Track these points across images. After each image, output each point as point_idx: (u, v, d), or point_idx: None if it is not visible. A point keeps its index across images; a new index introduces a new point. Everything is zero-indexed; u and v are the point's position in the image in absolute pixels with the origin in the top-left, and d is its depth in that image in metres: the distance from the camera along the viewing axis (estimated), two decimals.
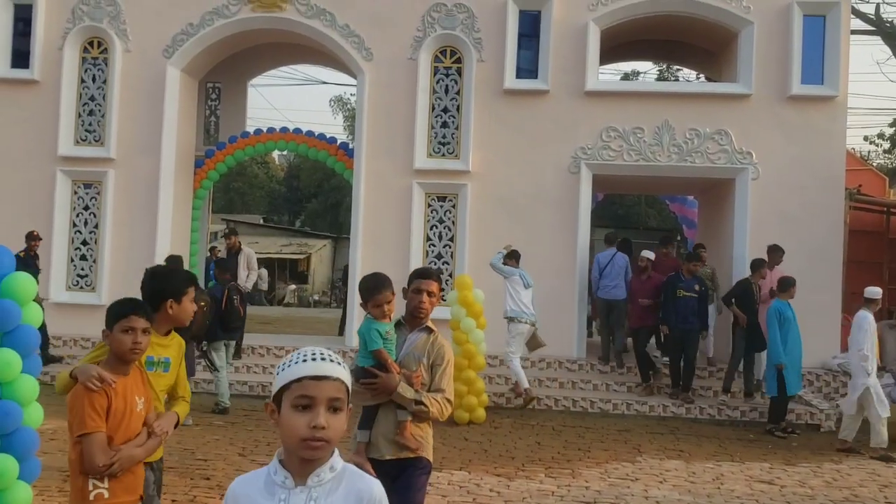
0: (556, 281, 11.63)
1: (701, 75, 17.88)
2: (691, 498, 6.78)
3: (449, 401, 4.02)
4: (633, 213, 29.97)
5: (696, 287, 10.34)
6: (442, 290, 4.23)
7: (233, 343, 9.99)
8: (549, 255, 11.66)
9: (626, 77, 28.22)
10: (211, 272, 15.06)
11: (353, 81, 13.27)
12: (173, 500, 6.11)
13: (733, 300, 10.40)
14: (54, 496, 6.07)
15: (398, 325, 4.15)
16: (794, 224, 11.39)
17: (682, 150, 11.68)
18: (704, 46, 13.67)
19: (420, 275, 4.18)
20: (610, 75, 26.70)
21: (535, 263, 11.58)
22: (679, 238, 16.04)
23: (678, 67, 25.69)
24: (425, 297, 4.05)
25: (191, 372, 9.05)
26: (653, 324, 10.79)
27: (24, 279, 5.03)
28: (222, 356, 9.61)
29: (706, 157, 11.66)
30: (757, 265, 10.48)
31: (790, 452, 8.71)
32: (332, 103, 38.57)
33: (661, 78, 28.17)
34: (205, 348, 9.48)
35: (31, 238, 11.30)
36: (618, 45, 13.55)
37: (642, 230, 25.86)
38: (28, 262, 10.99)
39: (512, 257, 10.54)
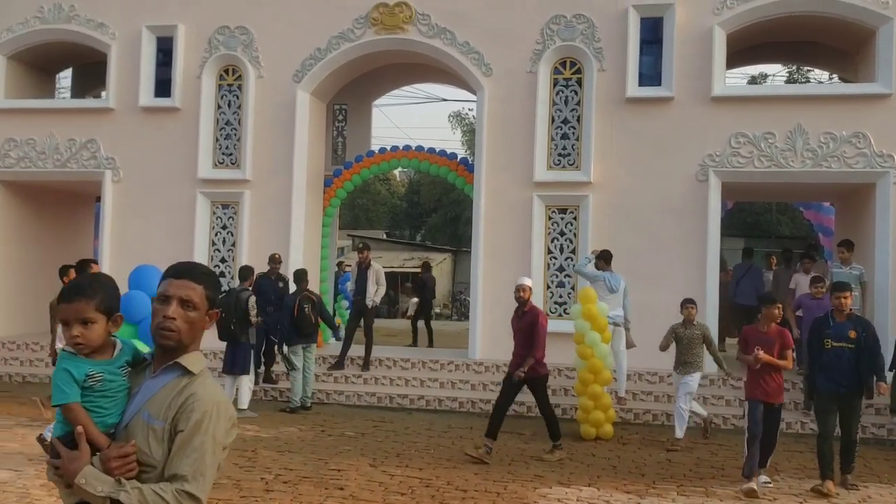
0: (685, 293, 11.32)
1: (834, 76, 17.03)
2: None
3: (191, 496, 2.20)
4: (764, 220, 28.76)
5: (851, 333, 7.26)
6: (213, 300, 2.41)
7: (312, 346, 10.90)
8: (677, 267, 11.40)
9: (752, 80, 27.22)
10: (341, 286, 15.63)
11: (471, 97, 13.43)
12: None
13: None
14: None
15: (144, 364, 2.46)
16: None
17: (817, 155, 11.15)
18: (838, 46, 13.04)
19: (172, 273, 2.40)
20: (736, 79, 25.89)
21: (661, 275, 11.35)
22: (813, 244, 15.25)
23: (809, 68, 24.58)
24: (174, 308, 2.31)
25: (243, 370, 10.18)
26: (545, 373, 8.51)
27: None
28: (300, 358, 10.66)
29: (843, 161, 11.08)
30: None
31: None
32: (451, 119, 39.06)
33: (790, 80, 27.00)
34: (285, 351, 10.70)
35: (273, 261, 11.53)
36: (744, 49, 13.12)
37: (774, 239, 24.82)
38: (268, 284, 11.26)
39: (602, 258, 10.42)
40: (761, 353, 7.14)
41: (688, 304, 9.25)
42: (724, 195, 12.03)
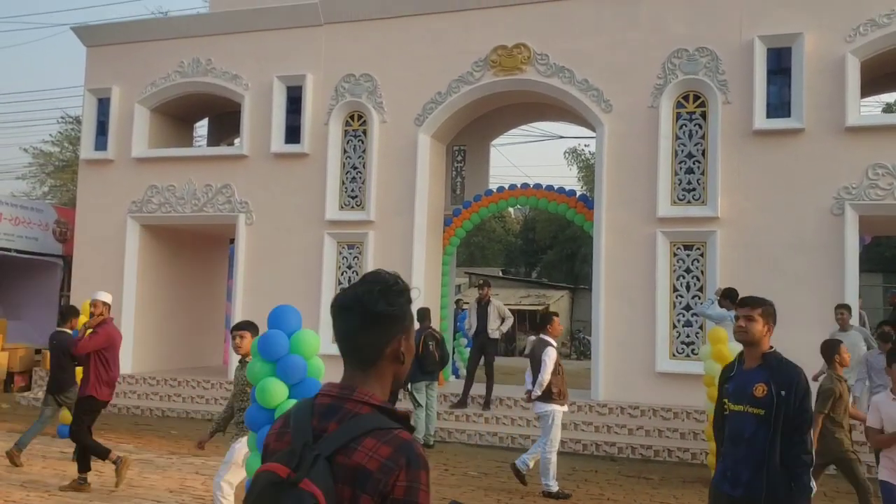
0: (820, 333, 10.78)
1: None
2: None
3: None
4: None
5: (760, 388, 3.98)
6: None
7: (434, 384, 10.97)
8: (811, 305, 10.88)
9: (888, 108, 25.92)
10: (459, 323, 15.74)
11: (589, 133, 13.38)
12: None
13: None
14: None
15: None
16: None
17: None
18: None
19: None
20: (868, 107, 24.73)
21: (793, 314, 10.85)
22: None
23: None
24: None
25: None
26: (91, 394, 7.88)
27: (309, 336, 5.56)
28: (423, 395, 10.72)
29: None
30: None
31: None
32: (567, 155, 38.94)
33: None
34: (409, 388, 10.70)
35: None
36: (879, 76, 12.53)
37: None
38: None
39: (727, 297, 9.97)
40: None
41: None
42: (860, 229, 11.44)
